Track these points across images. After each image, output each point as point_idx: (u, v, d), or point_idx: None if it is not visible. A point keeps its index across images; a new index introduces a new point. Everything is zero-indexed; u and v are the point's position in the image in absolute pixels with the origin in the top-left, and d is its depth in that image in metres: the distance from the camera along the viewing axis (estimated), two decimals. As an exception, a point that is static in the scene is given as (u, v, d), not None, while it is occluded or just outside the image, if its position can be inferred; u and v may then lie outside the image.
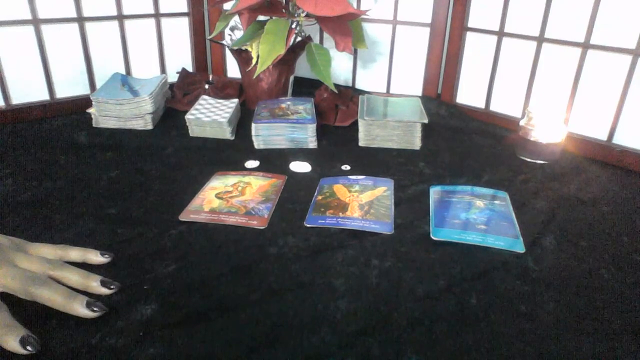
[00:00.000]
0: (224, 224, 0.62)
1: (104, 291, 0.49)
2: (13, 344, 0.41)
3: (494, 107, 1.04)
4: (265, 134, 0.86)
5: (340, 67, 1.22)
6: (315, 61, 0.94)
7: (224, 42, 1.10)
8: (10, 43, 0.93)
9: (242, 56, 1.01)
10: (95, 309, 0.45)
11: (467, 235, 0.60)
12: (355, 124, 0.92)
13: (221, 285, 0.51)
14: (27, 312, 0.46)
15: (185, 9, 1.15)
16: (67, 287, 0.47)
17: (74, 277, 0.49)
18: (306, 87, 1.12)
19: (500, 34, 0.99)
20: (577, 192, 0.74)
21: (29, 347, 0.41)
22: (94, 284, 0.49)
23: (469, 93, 1.08)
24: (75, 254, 0.53)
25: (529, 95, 0.97)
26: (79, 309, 0.45)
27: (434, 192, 0.72)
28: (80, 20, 1.00)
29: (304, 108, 0.91)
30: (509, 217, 0.65)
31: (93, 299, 0.46)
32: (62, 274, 0.49)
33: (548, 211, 0.68)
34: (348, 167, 0.80)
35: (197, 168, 0.78)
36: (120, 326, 0.45)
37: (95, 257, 0.53)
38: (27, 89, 0.97)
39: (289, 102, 0.95)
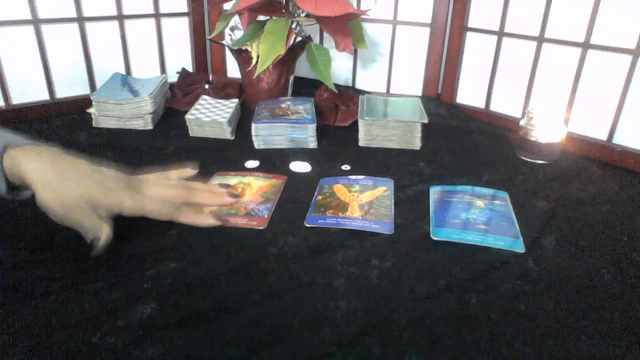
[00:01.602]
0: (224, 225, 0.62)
1: (232, 200, 0.65)
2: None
3: (494, 107, 1.04)
4: (265, 134, 0.86)
5: (340, 67, 1.22)
6: (315, 61, 0.94)
7: (224, 42, 1.10)
8: (10, 43, 0.93)
9: (242, 56, 1.01)
10: (218, 220, 0.60)
11: (467, 235, 0.60)
12: (355, 124, 0.92)
13: (221, 285, 0.51)
14: (27, 312, 0.46)
15: (185, 9, 1.15)
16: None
17: (206, 195, 0.64)
18: (306, 87, 1.12)
19: (500, 34, 0.99)
20: (577, 192, 0.74)
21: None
22: (225, 197, 0.65)
23: (469, 93, 1.08)
24: (174, 173, 0.67)
25: (529, 95, 0.97)
26: (208, 220, 0.60)
27: (434, 192, 0.72)
28: (80, 20, 1.00)
29: (304, 108, 0.91)
30: (509, 217, 0.65)
31: (216, 212, 0.62)
32: (196, 198, 0.63)
33: (548, 211, 0.68)
34: (348, 167, 0.80)
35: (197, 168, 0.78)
36: (120, 325, 0.45)
37: (189, 172, 0.68)
38: (27, 89, 0.97)
39: (289, 102, 0.95)
